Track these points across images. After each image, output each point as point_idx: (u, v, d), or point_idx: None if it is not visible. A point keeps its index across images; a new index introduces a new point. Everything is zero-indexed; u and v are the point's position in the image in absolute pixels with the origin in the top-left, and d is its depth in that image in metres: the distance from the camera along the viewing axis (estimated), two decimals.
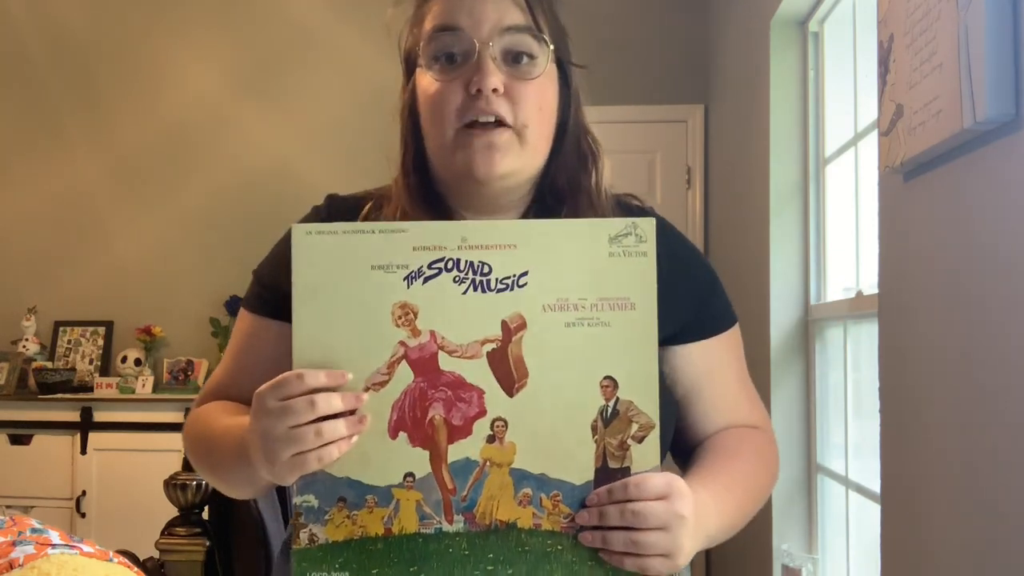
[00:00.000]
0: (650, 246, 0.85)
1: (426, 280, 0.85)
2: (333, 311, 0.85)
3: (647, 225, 0.86)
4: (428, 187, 1.05)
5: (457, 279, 0.85)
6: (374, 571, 0.86)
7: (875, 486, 1.74)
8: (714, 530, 0.91)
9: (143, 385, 4.01)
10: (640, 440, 0.85)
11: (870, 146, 2.08)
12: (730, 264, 3.46)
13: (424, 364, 0.85)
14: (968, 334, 1.31)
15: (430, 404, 0.85)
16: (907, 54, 1.42)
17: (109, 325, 4.27)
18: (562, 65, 1.05)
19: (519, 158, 1.00)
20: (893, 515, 1.64)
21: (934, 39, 1.31)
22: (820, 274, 2.56)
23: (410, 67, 1.06)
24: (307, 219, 1.12)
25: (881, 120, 1.57)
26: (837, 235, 2.48)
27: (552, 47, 1.02)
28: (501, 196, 1.04)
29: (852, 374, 2.30)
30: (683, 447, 1.09)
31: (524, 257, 0.85)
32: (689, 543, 0.85)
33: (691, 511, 0.84)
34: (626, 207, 1.11)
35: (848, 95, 2.33)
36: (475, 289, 0.85)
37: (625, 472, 0.85)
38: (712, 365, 1.08)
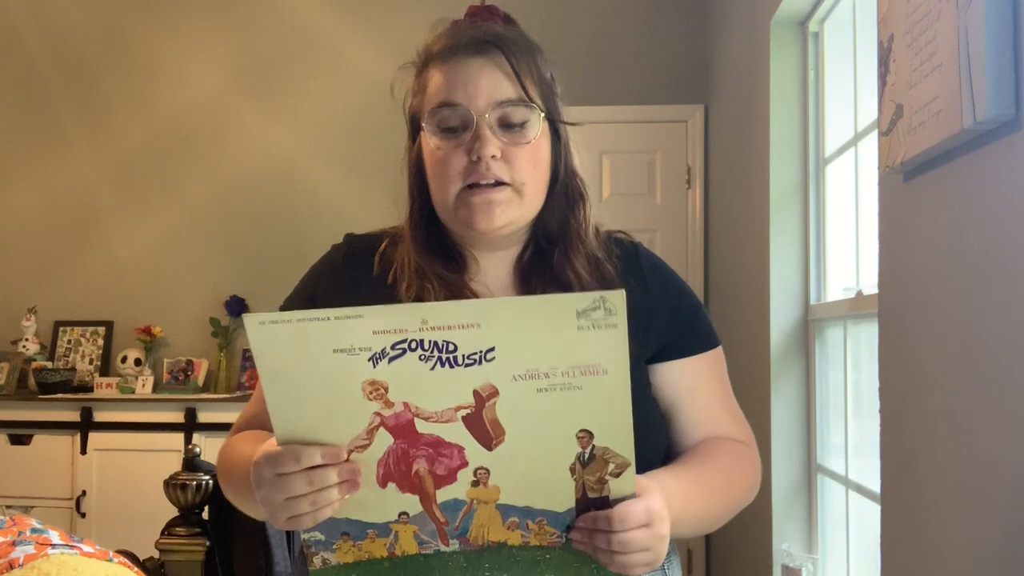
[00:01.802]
0: (620, 318, 0.81)
1: (391, 360, 0.83)
2: (303, 392, 0.85)
3: (616, 298, 0.81)
4: (435, 234, 1.16)
5: (423, 357, 0.83)
6: None
7: (875, 486, 1.74)
8: (679, 513, 0.97)
9: (143, 385, 4.01)
10: (617, 476, 0.88)
11: (870, 146, 2.08)
12: (730, 264, 3.46)
13: (402, 429, 0.86)
14: (968, 334, 1.31)
15: (413, 460, 0.87)
16: (907, 54, 1.42)
17: (109, 325, 4.27)
18: (552, 121, 1.15)
19: (517, 210, 1.11)
20: (893, 515, 1.64)
21: (934, 39, 1.31)
22: (820, 274, 2.56)
23: (415, 126, 1.16)
24: (329, 255, 1.21)
25: (881, 120, 1.57)
26: (837, 235, 2.48)
27: (543, 112, 1.11)
28: (501, 241, 1.15)
29: (852, 374, 2.30)
30: (667, 459, 1.15)
31: (488, 335, 0.82)
32: (665, 549, 0.92)
33: (668, 526, 0.92)
34: (617, 242, 1.20)
35: (848, 95, 2.33)
36: (442, 365, 0.83)
37: (604, 500, 0.89)
38: (693, 383, 1.15)
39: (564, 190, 1.16)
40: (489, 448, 0.86)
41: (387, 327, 0.82)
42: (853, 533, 2.28)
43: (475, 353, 0.82)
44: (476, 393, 0.84)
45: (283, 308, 1.20)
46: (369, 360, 0.83)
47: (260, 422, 1.15)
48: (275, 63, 4.30)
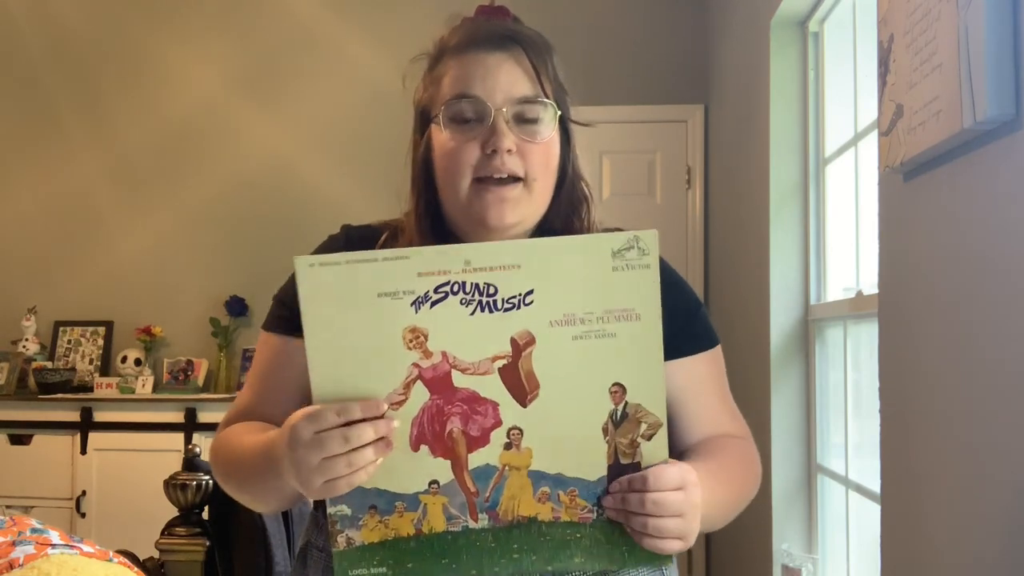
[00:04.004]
0: (653, 258, 0.87)
1: (433, 304, 0.86)
2: (345, 340, 0.87)
3: (649, 238, 0.86)
4: (439, 229, 1.14)
5: (464, 301, 0.86)
6: (409, 564, 0.92)
7: (875, 486, 1.74)
8: (703, 504, 0.99)
9: (143, 385, 4.01)
10: (649, 438, 0.90)
11: (870, 146, 2.08)
12: (730, 264, 3.46)
13: (438, 383, 0.88)
14: (968, 334, 1.31)
15: (447, 419, 0.89)
16: (907, 54, 1.42)
17: (109, 325, 4.27)
18: (563, 121, 1.14)
19: (527, 208, 1.10)
20: (893, 515, 1.64)
21: (934, 39, 1.31)
22: (820, 274, 2.56)
23: (423, 119, 1.15)
24: (323, 247, 1.19)
25: (881, 120, 1.57)
26: (837, 235, 2.48)
27: (557, 112, 1.11)
28: (507, 238, 1.12)
29: (852, 374, 2.30)
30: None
31: (528, 276, 0.87)
32: (698, 526, 0.93)
33: (700, 499, 0.92)
34: None
35: (848, 95, 2.33)
36: (482, 310, 0.87)
37: (636, 467, 0.90)
38: (693, 381, 1.15)
39: (570, 191, 1.16)
40: (523, 404, 0.88)
41: (432, 268, 0.86)
42: (853, 533, 2.28)
43: (514, 296, 0.86)
44: (513, 341, 0.87)
45: (276, 299, 1.19)
46: (412, 304, 0.86)
47: (253, 414, 1.14)
48: (275, 64, 4.30)
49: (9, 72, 4.43)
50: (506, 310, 0.87)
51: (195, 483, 1.73)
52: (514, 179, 1.08)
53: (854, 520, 2.27)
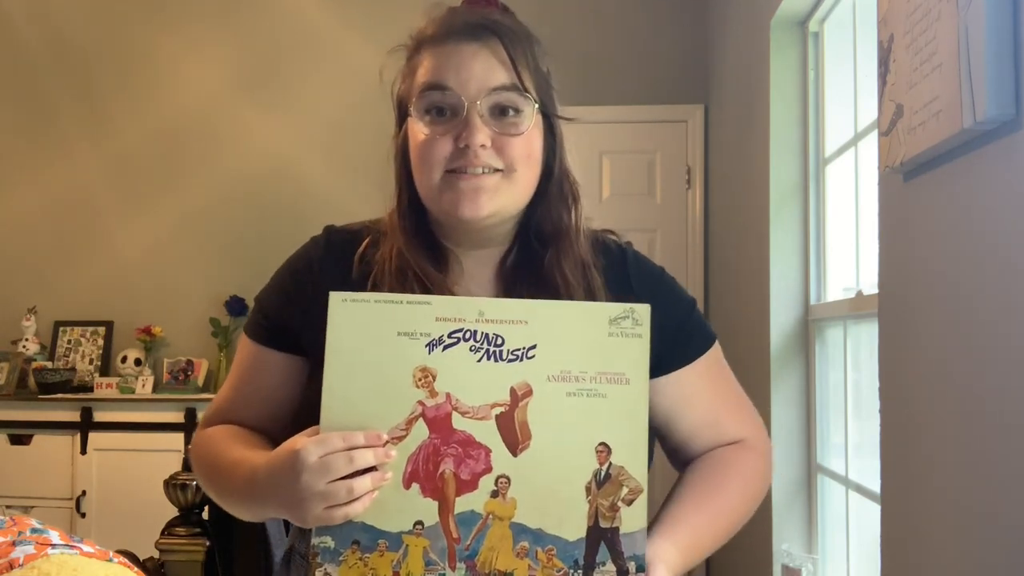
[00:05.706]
0: (645, 329, 0.94)
1: (445, 348, 0.93)
2: (360, 371, 0.93)
3: (643, 311, 0.95)
4: (422, 226, 1.11)
5: (473, 348, 0.93)
6: None
7: (875, 486, 1.74)
8: (680, 569, 1.00)
9: (143, 385, 4.01)
10: (629, 503, 0.93)
11: (870, 146, 2.08)
12: (730, 264, 3.46)
13: (439, 423, 0.93)
14: (968, 334, 1.31)
15: (442, 459, 0.93)
16: (907, 54, 1.42)
17: (109, 325, 4.27)
18: (547, 114, 1.10)
19: (506, 197, 1.06)
20: (893, 515, 1.64)
21: (934, 39, 1.31)
22: (820, 274, 2.56)
23: (402, 113, 1.12)
24: (307, 250, 1.18)
25: (881, 120, 1.57)
26: (837, 235, 2.48)
27: (537, 103, 1.07)
28: (486, 233, 1.10)
29: (852, 374, 2.30)
30: (680, 459, 1.17)
31: (533, 332, 0.94)
32: None
33: None
34: (602, 243, 1.16)
35: (848, 95, 2.33)
36: (488, 358, 0.93)
37: (614, 532, 0.93)
38: (691, 391, 1.13)
39: (559, 189, 1.11)
40: (514, 453, 0.92)
41: (449, 315, 0.94)
42: (853, 533, 2.28)
43: (519, 349, 0.93)
44: (512, 391, 0.93)
45: (257, 300, 1.19)
46: (426, 346, 0.93)
47: (229, 416, 1.14)
48: (275, 63, 4.30)
49: (9, 72, 4.43)
50: (510, 361, 0.93)
51: (195, 483, 1.73)
52: (492, 170, 1.04)
53: (854, 520, 2.27)
